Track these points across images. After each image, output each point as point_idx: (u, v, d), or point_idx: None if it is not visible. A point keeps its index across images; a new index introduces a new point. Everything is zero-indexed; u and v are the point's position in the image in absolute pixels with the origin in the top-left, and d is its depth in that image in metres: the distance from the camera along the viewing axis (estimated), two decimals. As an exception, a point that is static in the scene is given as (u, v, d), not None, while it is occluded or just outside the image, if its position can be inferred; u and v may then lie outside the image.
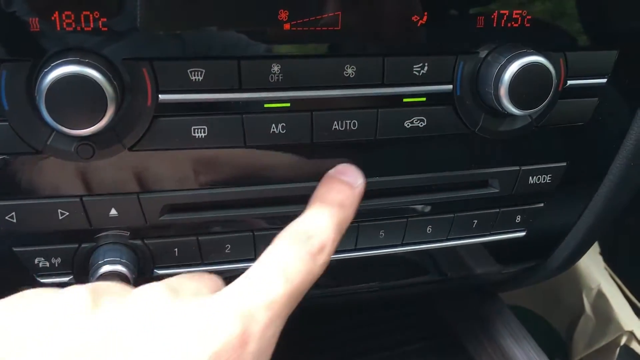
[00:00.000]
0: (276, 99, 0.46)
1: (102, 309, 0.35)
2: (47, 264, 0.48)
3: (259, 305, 0.37)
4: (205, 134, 0.45)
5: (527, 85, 0.47)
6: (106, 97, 0.40)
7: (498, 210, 0.58)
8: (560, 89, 0.51)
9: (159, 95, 0.43)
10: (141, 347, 0.33)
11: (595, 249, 1.24)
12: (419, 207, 0.56)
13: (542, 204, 0.59)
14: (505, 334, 0.75)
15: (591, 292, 1.19)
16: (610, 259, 1.24)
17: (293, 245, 0.42)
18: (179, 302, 0.36)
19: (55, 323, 0.34)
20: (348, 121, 0.48)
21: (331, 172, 0.49)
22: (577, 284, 1.20)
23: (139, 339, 0.33)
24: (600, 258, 1.24)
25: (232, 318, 0.36)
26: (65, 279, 0.49)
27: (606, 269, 1.23)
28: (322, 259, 0.42)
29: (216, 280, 0.42)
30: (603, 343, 1.16)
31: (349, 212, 0.46)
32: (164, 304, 0.36)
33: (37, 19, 0.40)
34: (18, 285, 0.48)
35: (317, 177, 0.50)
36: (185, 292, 0.38)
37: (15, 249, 0.47)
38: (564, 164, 0.57)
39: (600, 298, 1.17)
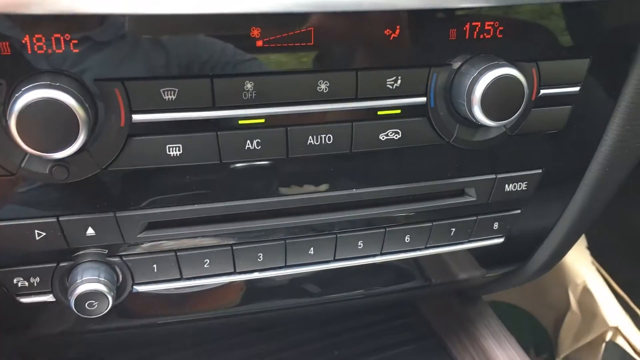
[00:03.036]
0: (250, 115, 0.46)
1: None
2: (27, 284, 0.48)
3: None
4: (181, 152, 0.45)
5: (499, 97, 0.47)
6: (78, 121, 0.40)
7: (475, 218, 0.58)
8: (533, 98, 0.51)
9: (133, 116, 0.43)
10: None
11: (582, 243, 1.24)
12: (396, 216, 0.56)
13: (519, 210, 0.60)
14: (487, 335, 0.76)
15: (577, 288, 1.19)
16: (598, 254, 1.24)
17: None
18: None
19: None
20: (323, 135, 0.48)
21: None
22: (563, 280, 1.21)
23: None
24: (587, 253, 1.25)
25: None
26: (46, 298, 0.49)
27: (593, 263, 1.23)
28: None
29: None
30: (589, 339, 1.17)
31: None
32: None
33: (7, 42, 0.39)
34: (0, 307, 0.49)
35: (294, 191, 0.51)
36: None
37: (-7, 270, 0.48)
38: (540, 170, 0.57)
39: (586, 294, 1.18)
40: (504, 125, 0.52)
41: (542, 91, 0.52)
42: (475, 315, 0.79)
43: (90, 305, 0.48)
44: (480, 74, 0.46)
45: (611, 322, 1.11)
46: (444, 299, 0.83)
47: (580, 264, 1.22)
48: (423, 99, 0.49)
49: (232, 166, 0.48)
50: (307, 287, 0.60)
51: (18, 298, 0.49)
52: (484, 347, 0.74)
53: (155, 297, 0.54)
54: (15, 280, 0.48)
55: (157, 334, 0.76)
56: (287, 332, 0.81)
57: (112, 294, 0.48)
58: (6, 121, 0.40)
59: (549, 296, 1.24)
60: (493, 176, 0.56)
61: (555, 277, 1.22)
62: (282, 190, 0.51)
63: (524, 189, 0.57)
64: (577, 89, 0.53)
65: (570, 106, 0.54)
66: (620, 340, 1.12)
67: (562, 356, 1.21)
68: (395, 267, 0.62)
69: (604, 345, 1.15)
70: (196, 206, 0.49)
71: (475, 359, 0.75)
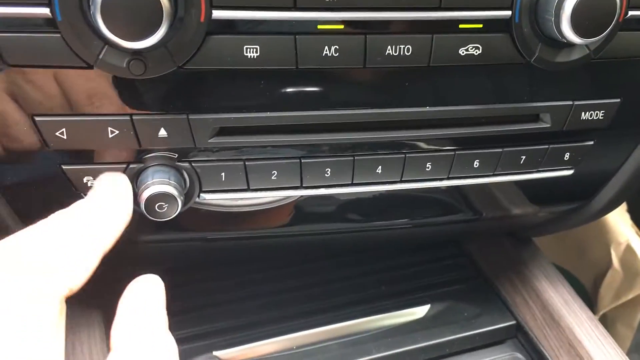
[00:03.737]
0: (330, 19, 0.45)
1: None
2: (96, 184, 0.48)
3: None
4: (258, 54, 0.44)
5: (590, 12, 0.45)
6: (162, 10, 0.39)
7: (547, 146, 0.56)
8: (621, 19, 0.49)
9: (213, 11, 0.42)
10: None
11: (623, 206, 1.22)
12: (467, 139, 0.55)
13: (592, 142, 0.58)
14: (540, 277, 0.75)
15: (620, 246, 1.18)
16: (638, 217, 1.22)
17: None
18: None
19: None
20: (402, 46, 0.47)
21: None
22: (605, 239, 1.20)
23: None
24: (627, 216, 1.23)
25: None
26: (113, 199, 0.49)
27: (633, 226, 1.22)
28: None
29: None
30: (630, 296, 1.16)
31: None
32: None
33: None
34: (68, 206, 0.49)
35: (367, 104, 0.49)
36: None
37: (64, 167, 0.47)
38: (618, 100, 0.55)
39: (629, 252, 1.16)
40: (588, 46, 0.50)
41: (630, 12, 0.50)
42: (528, 258, 0.78)
43: (160, 207, 0.47)
44: (572, -14, 0.44)
45: (655, 280, 1.10)
46: (494, 241, 0.82)
47: (622, 223, 1.20)
48: (508, 13, 0.47)
49: (307, 74, 0.47)
50: (359, 212, 0.60)
51: (86, 198, 0.49)
52: (537, 288, 0.73)
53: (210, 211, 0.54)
54: (85, 179, 0.48)
55: (197, 259, 0.76)
56: (337, 266, 0.81)
57: (181, 198, 0.48)
58: (89, 8, 0.39)
59: (589, 254, 1.23)
60: (570, 102, 0.54)
61: (597, 236, 1.21)
62: (355, 103, 0.49)
63: (600, 118, 0.55)
64: (667, 11, 0.50)
65: (656, 32, 0.52)
66: (662, 299, 1.11)
67: (600, 313, 1.20)
68: (452, 197, 0.61)
69: (645, 303, 1.14)
70: (268, 113, 0.48)
71: (527, 300, 0.74)
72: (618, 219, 1.21)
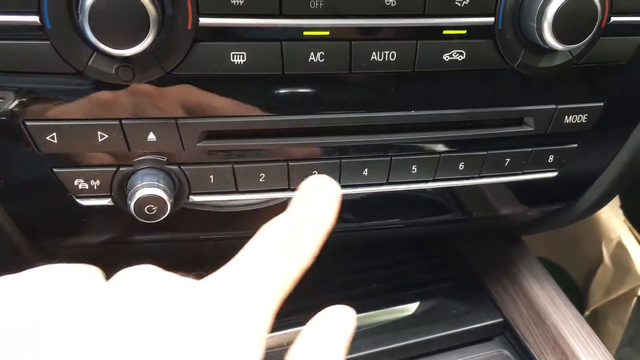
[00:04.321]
0: (316, 26, 0.45)
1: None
2: (87, 186, 0.49)
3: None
4: (244, 60, 0.45)
5: (572, 19, 0.46)
6: (149, 17, 0.40)
7: (531, 149, 0.57)
8: (603, 25, 0.50)
9: (200, 18, 0.43)
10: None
11: (616, 202, 1.23)
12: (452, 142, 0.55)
13: (575, 145, 0.59)
14: (528, 276, 0.76)
15: (611, 242, 1.19)
16: (631, 214, 1.23)
17: (281, 253, 0.38)
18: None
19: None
20: (387, 52, 0.47)
21: (306, 183, 0.44)
22: (597, 234, 1.21)
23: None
24: (620, 212, 1.24)
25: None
26: (105, 202, 0.50)
27: (626, 222, 1.23)
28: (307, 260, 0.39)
29: None
30: (620, 292, 1.17)
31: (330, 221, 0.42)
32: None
33: None
34: (59, 209, 0.50)
35: (353, 108, 0.50)
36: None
37: (55, 170, 0.48)
38: (601, 104, 0.56)
39: (620, 249, 1.17)
40: (571, 52, 0.51)
41: (613, 18, 0.50)
42: (516, 256, 0.79)
43: (149, 209, 0.48)
44: (553, -6, 0.45)
45: (644, 277, 1.11)
46: (484, 239, 0.83)
47: (614, 220, 1.21)
48: (491, 19, 0.48)
49: (293, 79, 0.48)
50: (349, 212, 0.61)
51: (78, 200, 0.50)
52: (525, 286, 0.74)
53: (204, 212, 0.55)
54: (76, 182, 0.49)
55: (188, 257, 0.77)
56: (326, 264, 0.82)
57: (170, 200, 0.49)
58: (77, 16, 0.40)
59: (581, 250, 1.24)
60: (553, 106, 0.55)
61: (589, 231, 1.22)
62: (341, 107, 0.50)
63: (583, 121, 0.56)
64: (647, 17, 0.51)
65: (638, 37, 0.52)
66: (652, 296, 1.12)
67: (591, 309, 1.21)
68: (440, 196, 0.62)
69: (635, 299, 1.15)
70: (255, 118, 0.49)
71: (515, 299, 0.75)
72: (611, 215, 1.22)
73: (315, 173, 0.53)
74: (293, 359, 0.37)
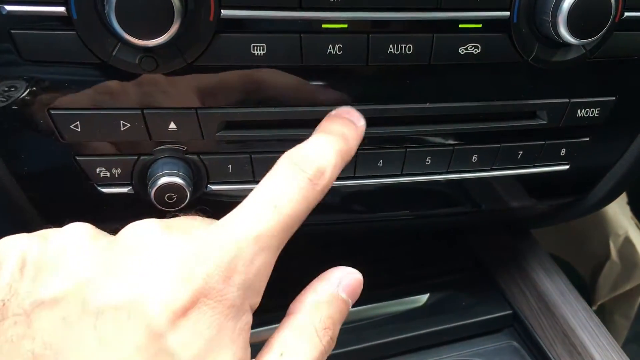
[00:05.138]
0: (334, 19, 0.46)
1: (97, 242, 0.38)
2: (108, 174, 0.50)
3: (246, 237, 0.37)
4: (264, 52, 0.46)
5: (586, 14, 0.47)
6: (173, 9, 0.40)
7: (543, 142, 0.58)
8: (617, 20, 0.50)
9: (222, 10, 0.44)
10: (127, 275, 0.35)
11: (623, 198, 1.24)
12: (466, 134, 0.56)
13: (587, 138, 0.59)
14: (537, 269, 0.76)
15: (618, 238, 1.20)
16: (638, 210, 1.24)
17: (289, 170, 0.41)
18: (166, 236, 0.37)
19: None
20: (403, 45, 0.48)
21: (333, 112, 0.49)
22: (604, 230, 1.21)
23: (127, 267, 0.35)
24: (627, 208, 1.25)
25: (217, 251, 0.36)
26: (125, 190, 0.51)
27: (632, 218, 1.23)
28: (322, 184, 0.41)
29: (211, 220, 0.41)
30: (627, 288, 1.18)
31: (351, 145, 0.46)
32: (152, 238, 0.37)
33: None
34: (81, 196, 0.51)
35: (369, 100, 0.51)
36: (176, 228, 0.39)
37: (78, 158, 0.49)
38: (613, 98, 0.57)
39: (627, 244, 1.18)
40: (584, 46, 0.51)
41: (626, 13, 0.51)
42: (525, 249, 0.80)
43: (169, 198, 0.49)
44: (569, -12, 0.46)
45: (652, 272, 1.11)
46: (493, 232, 0.84)
47: (622, 216, 1.22)
48: (506, 14, 0.48)
49: (312, 71, 0.49)
50: (362, 203, 0.61)
51: (99, 188, 0.51)
52: (534, 279, 0.75)
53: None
54: (98, 170, 0.50)
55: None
56: (338, 255, 0.83)
57: (190, 189, 0.50)
58: (103, 7, 0.41)
59: (588, 245, 1.25)
60: (566, 100, 0.55)
61: (597, 227, 1.22)
62: (357, 99, 0.51)
63: (595, 115, 0.57)
64: (660, 13, 0.52)
65: (652, 32, 0.53)
66: (659, 291, 1.13)
67: (598, 303, 1.22)
68: (452, 188, 0.62)
69: (642, 295, 1.16)
70: (273, 109, 0.49)
71: (524, 290, 0.76)
72: (618, 211, 1.22)
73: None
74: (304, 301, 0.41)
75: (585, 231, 1.26)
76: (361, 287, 0.45)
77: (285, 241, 0.40)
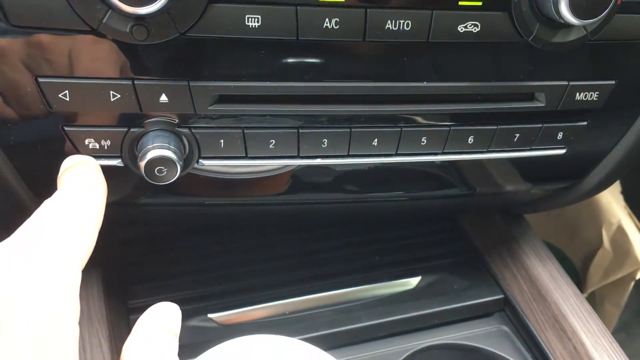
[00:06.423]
0: (331, -9, 0.45)
1: None
2: (97, 146, 0.49)
3: None
4: (259, 24, 0.45)
5: None
6: None
7: (541, 125, 0.57)
8: (619, 2, 0.49)
9: (216, -21, 0.43)
10: None
11: (616, 188, 1.24)
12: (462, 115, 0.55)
13: (585, 123, 0.59)
14: (529, 253, 0.76)
15: (611, 226, 1.20)
16: (631, 199, 1.24)
17: None
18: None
19: None
20: (402, 21, 0.47)
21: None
22: (597, 219, 1.21)
23: None
24: (621, 197, 1.24)
25: None
26: (114, 162, 0.50)
27: (626, 207, 1.23)
28: None
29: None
30: (619, 276, 1.18)
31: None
32: None
33: None
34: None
35: (366, 77, 0.50)
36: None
37: (66, 128, 0.48)
38: (613, 82, 0.56)
39: (620, 232, 1.18)
40: (585, 28, 0.50)
41: (629, -5, 0.50)
42: (518, 234, 0.79)
43: (159, 171, 0.48)
44: (571, -34, 0.45)
45: (644, 261, 1.11)
46: (487, 216, 0.84)
47: (615, 204, 1.22)
48: (508, -10, 0.48)
49: (307, 45, 0.48)
50: (355, 183, 0.61)
51: (88, 160, 0.50)
52: (526, 264, 0.75)
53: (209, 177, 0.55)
54: (87, 141, 0.49)
55: (194, 224, 0.78)
56: (332, 236, 0.83)
57: (180, 163, 0.49)
58: (93, -30, 0.40)
59: (581, 234, 1.25)
60: (565, 82, 0.55)
61: (590, 216, 1.22)
62: (353, 76, 0.50)
63: (594, 99, 0.56)
64: (664, -4, 0.51)
65: (654, 14, 0.52)
66: (650, 280, 1.13)
67: (589, 291, 1.23)
68: (447, 172, 0.62)
69: (632, 283, 1.16)
70: (267, 83, 0.48)
71: (516, 275, 0.76)
72: (611, 200, 1.22)
73: (325, 141, 0.53)
74: (130, 350, 0.39)
75: (578, 219, 1.26)
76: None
77: None
